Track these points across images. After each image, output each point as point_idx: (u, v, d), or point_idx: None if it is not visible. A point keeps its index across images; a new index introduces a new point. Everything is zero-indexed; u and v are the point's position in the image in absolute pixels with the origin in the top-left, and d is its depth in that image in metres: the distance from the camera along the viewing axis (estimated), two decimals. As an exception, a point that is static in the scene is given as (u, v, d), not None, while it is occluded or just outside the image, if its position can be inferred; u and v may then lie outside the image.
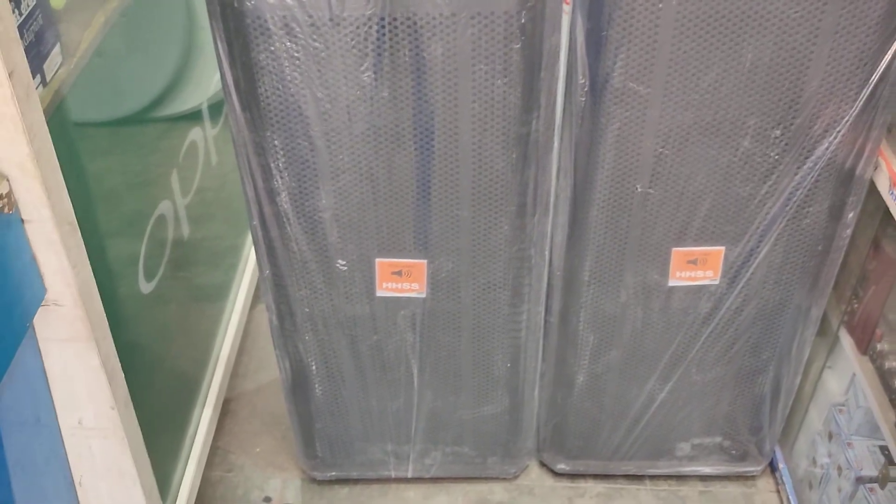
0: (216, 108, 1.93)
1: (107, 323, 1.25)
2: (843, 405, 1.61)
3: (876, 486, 1.48)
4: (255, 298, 2.20)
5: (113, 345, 1.27)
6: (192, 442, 1.74)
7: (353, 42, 1.20)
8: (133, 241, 1.45)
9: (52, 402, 1.28)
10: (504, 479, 1.84)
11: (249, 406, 2.02)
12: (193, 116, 1.80)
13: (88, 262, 1.17)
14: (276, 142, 1.30)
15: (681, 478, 1.84)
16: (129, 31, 1.50)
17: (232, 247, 2.13)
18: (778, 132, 1.30)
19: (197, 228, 1.78)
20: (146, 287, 1.49)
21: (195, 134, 1.78)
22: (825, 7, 1.18)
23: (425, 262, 1.45)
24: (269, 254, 1.45)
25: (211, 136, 1.88)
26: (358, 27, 1.18)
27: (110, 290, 1.31)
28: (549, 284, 1.55)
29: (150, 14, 1.67)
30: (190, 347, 1.81)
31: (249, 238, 2.20)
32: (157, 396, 1.58)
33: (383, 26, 1.18)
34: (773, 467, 1.85)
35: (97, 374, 1.24)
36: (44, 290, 1.14)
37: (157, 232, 1.54)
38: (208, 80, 1.90)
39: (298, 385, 1.65)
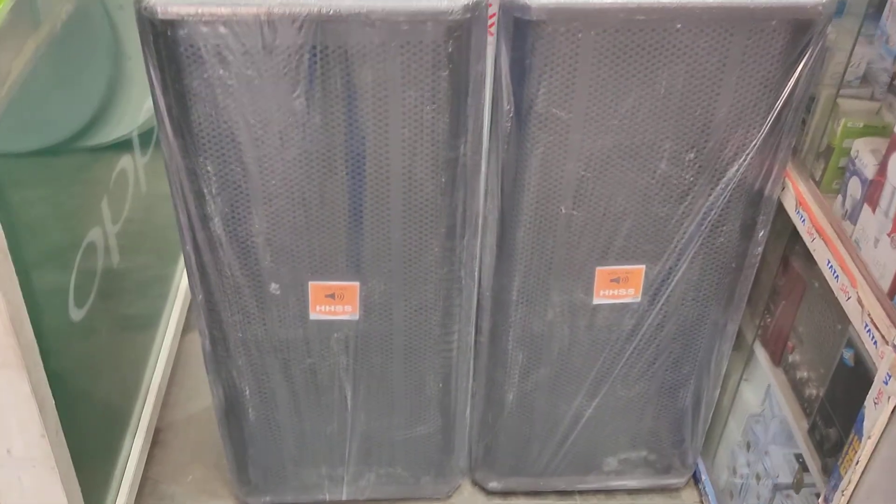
0: (146, 137, 1.92)
1: (37, 350, 1.24)
2: (760, 416, 1.69)
3: (792, 492, 1.56)
4: (186, 327, 2.19)
5: (43, 372, 1.26)
6: (123, 472, 1.72)
7: (286, 70, 1.23)
8: (63, 267, 1.44)
9: (-21, 432, 1.26)
10: (437, 499, 1.86)
11: (181, 435, 2.00)
12: (123, 144, 1.80)
13: (19, 289, 1.17)
14: (208, 167, 1.32)
15: (609, 492, 1.89)
16: (57, 60, 1.50)
17: (162, 276, 2.11)
18: (692, 155, 1.38)
19: (127, 257, 1.77)
20: (77, 314, 1.48)
21: (125, 162, 1.78)
22: (731, 38, 1.27)
23: (358, 284, 1.48)
24: (202, 279, 1.46)
25: (141, 164, 1.87)
26: (290, 55, 1.21)
27: (40, 317, 1.30)
28: (478, 305, 1.59)
29: (77, 43, 1.67)
30: (120, 377, 1.79)
31: (180, 267, 2.20)
32: (87, 426, 1.56)
33: (314, 55, 1.22)
34: (696, 479, 1.91)
35: (28, 403, 1.23)
36: (-28, 318, 1.13)
37: (88, 259, 1.53)
38: (136, 109, 1.90)
39: (231, 410, 1.65)
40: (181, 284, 2.18)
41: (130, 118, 1.89)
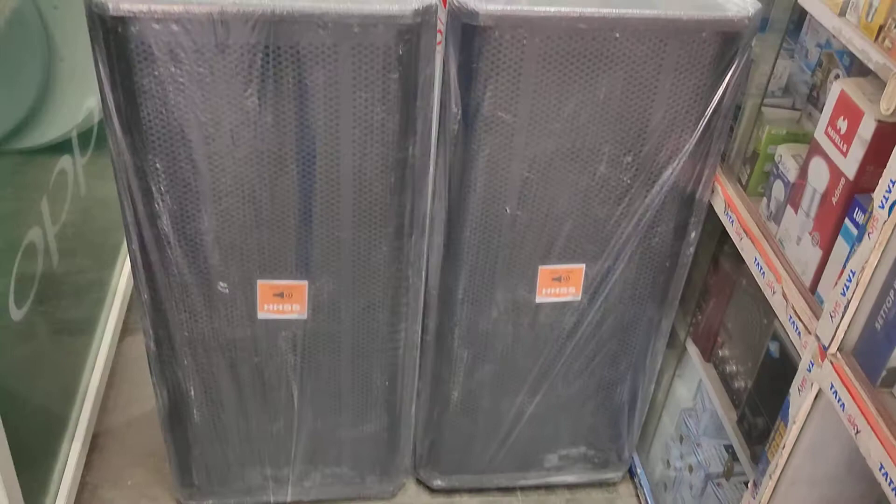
0: (85, 137, 1.91)
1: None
2: (692, 410, 1.76)
3: (723, 480, 1.63)
4: (124, 332, 2.16)
5: (-14, 370, 1.25)
6: (61, 477, 1.70)
7: (238, 68, 1.24)
8: (3, 266, 1.42)
9: (-81, 432, 1.23)
10: (382, 498, 1.89)
11: (119, 440, 1.97)
12: (62, 145, 1.78)
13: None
14: (157, 165, 1.33)
15: (549, 488, 1.94)
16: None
17: (99, 280, 2.09)
18: (629, 158, 1.45)
19: (66, 259, 1.75)
20: (17, 314, 1.46)
21: (64, 162, 1.76)
22: (666, 48, 1.34)
23: (306, 283, 1.50)
24: (148, 277, 1.45)
25: (80, 165, 1.85)
26: (243, 54, 1.23)
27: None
28: (425, 303, 1.63)
29: (7, 47, 1.65)
30: (58, 380, 1.77)
31: (117, 271, 2.17)
32: (24, 429, 1.54)
33: (267, 54, 1.24)
34: (631, 473, 1.98)
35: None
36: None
37: (28, 258, 1.51)
38: (73, 110, 1.89)
39: (175, 412, 1.65)
40: (119, 288, 2.16)
41: (66, 119, 1.87)
